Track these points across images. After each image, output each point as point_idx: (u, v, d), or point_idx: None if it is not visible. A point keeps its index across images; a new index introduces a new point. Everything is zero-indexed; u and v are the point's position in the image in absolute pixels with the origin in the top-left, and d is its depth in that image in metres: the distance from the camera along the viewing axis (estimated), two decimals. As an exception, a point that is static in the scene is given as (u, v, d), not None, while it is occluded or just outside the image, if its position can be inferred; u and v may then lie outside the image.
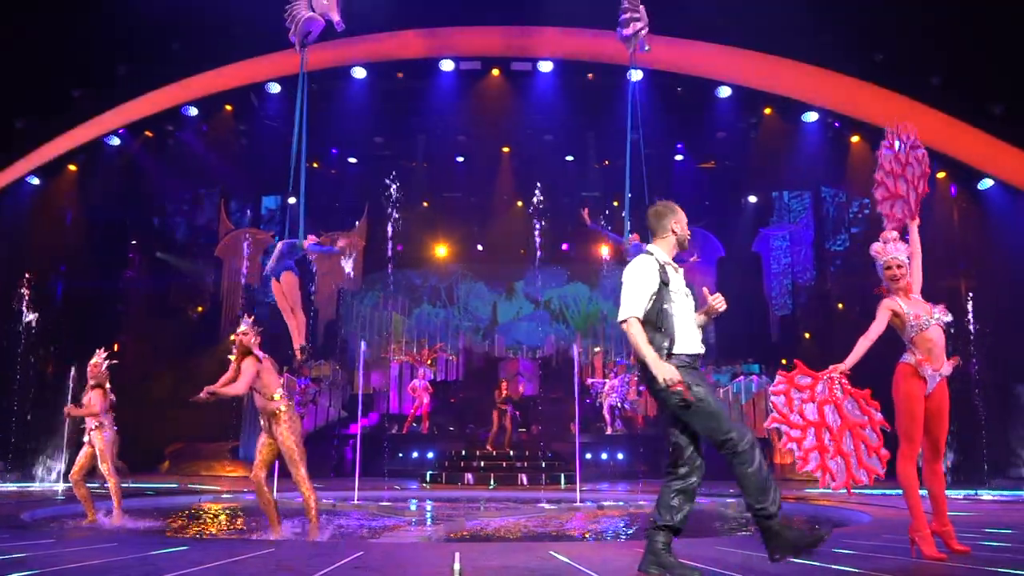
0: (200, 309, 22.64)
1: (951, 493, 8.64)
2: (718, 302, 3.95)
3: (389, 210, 20.73)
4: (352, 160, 22.32)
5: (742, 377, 19.09)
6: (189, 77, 17.02)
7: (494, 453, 15.68)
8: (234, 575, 4.29)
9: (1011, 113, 14.86)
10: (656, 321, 3.79)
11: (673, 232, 4.03)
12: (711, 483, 10.25)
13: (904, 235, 5.05)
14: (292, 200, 11.22)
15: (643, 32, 9.52)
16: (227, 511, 9.67)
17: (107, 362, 8.00)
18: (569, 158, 22.32)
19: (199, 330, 21.77)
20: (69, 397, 12.38)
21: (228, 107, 19.14)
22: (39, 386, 15.54)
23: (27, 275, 15.92)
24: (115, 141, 18.63)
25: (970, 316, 13.94)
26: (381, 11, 15.08)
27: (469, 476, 14.70)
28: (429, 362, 20.36)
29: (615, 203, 20.94)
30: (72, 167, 18.69)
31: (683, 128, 19.75)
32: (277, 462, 6.89)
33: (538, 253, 22.09)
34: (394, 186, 20.30)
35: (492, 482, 14.12)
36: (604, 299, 23.64)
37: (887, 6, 14.41)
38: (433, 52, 17.98)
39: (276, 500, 6.89)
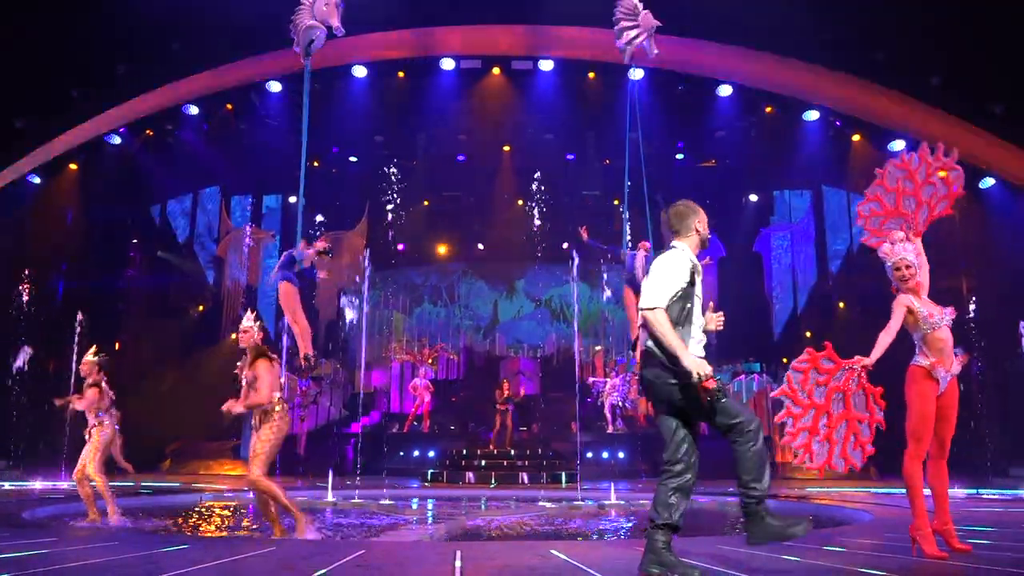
0: (201, 308, 22.67)
1: (952, 492, 8.64)
2: (717, 321, 4.02)
3: (389, 209, 20.74)
4: (353, 159, 22.32)
5: (743, 376, 19.11)
6: (189, 76, 17.02)
7: (496, 452, 15.69)
8: (235, 573, 4.29)
9: (1012, 112, 14.85)
10: (677, 318, 3.81)
11: (697, 232, 4.05)
12: (712, 482, 10.31)
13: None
14: (293, 199, 11.23)
15: (641, 39, 9.44)
16: (228, 509, 9.68)
17: (96, 358, 7.98)
18: (569, 157, 22.31)
19: (200, 329, 21.79)
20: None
21: (228, 106, 19.14)
22: (40, 385, 15.54)
23: (28, 273, 15.93)
24: (116, 140, 18.64)
25: (971, 315, 13.94)
26: (382, 10, 15.07)
27: (470, 475, 14.70)
28: (430, 361, 20.38)
29: (615, 201, 20.96)
30: (73, 166, 18.70)
31: (684, 127, 19.75)
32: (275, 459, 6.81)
33: (538, 252, 22.13)
34: (395, 185, 20.30)
35: (493, 481, 14.13)
36: (606, 298, 23.64)
37: (888, 5, 14.40)
38: (433, 51, 17.98)
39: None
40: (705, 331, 4.01)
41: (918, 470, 4.57)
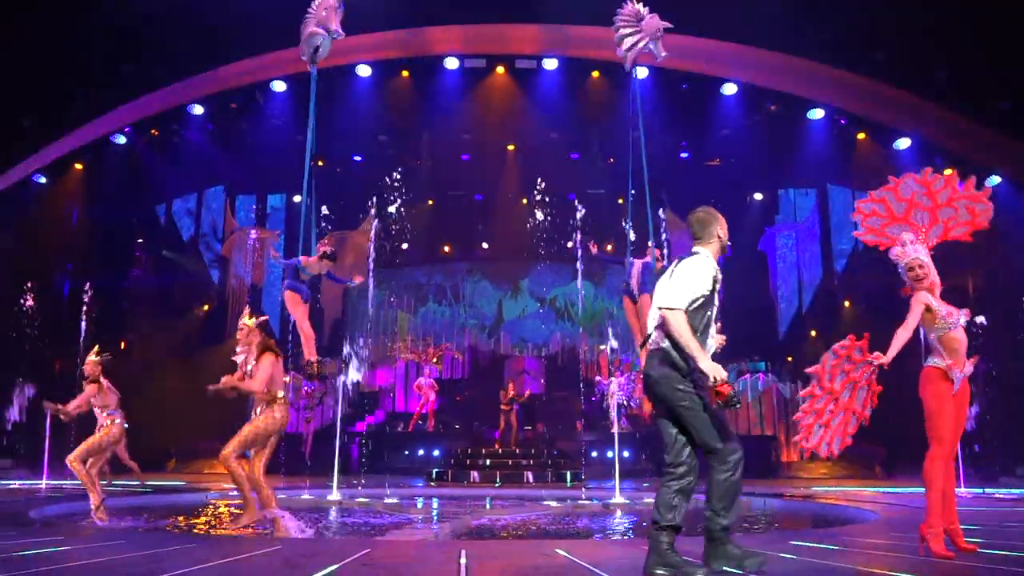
0: (206, 307, 22.70)
1: (959, 491, 8.60)
2: (720, 341, 4.12)
3: (393, 208, 20.73)
4: (357, 158, 22.33)
5: (748, 375, 19.07)
6: (194, 76, 17.06)
7: (500, 451, 15.69)
8: (241, 572, 4.30)
9: (1018, 109, 14.78)
10: (694, 323, 3.83)
11: (718, 238, 4.07)
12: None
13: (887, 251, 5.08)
14: (297, 199, 11.27)
15: (642, 44, 9.39)
16: (234, 508, 9.69)
17: (99, 358, 8.02)
18: (574, 156, 22.28)
19: (205, 328, 21.82)
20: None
21: (233, 105, 19.18)
22: (47, 384, 15.59)
23: (33, 273, 15.97)
24: (121, 140, 18.69)
25: (978, 313, 13.86)
26: (385, 9, 15.07)
27: (475, 474, 14.69)
28: (435, 360, 20.38)
29: (619, 200, 20.92)
30: (78, 166, 18.76)
31: (688, 125, 19.71)
32: (268, 450, 6.78)
33: (542, 251, 22.08)
34: (399, 184, 20.30)
35: (498, 480, 14.12)
36: (609, 297, 23.60)
37: (893, 2, 14.35)
38: (438, 50, 17.98)
39: (272, 494, 6.83)
40: None
41: (939, 471, 4.55)
